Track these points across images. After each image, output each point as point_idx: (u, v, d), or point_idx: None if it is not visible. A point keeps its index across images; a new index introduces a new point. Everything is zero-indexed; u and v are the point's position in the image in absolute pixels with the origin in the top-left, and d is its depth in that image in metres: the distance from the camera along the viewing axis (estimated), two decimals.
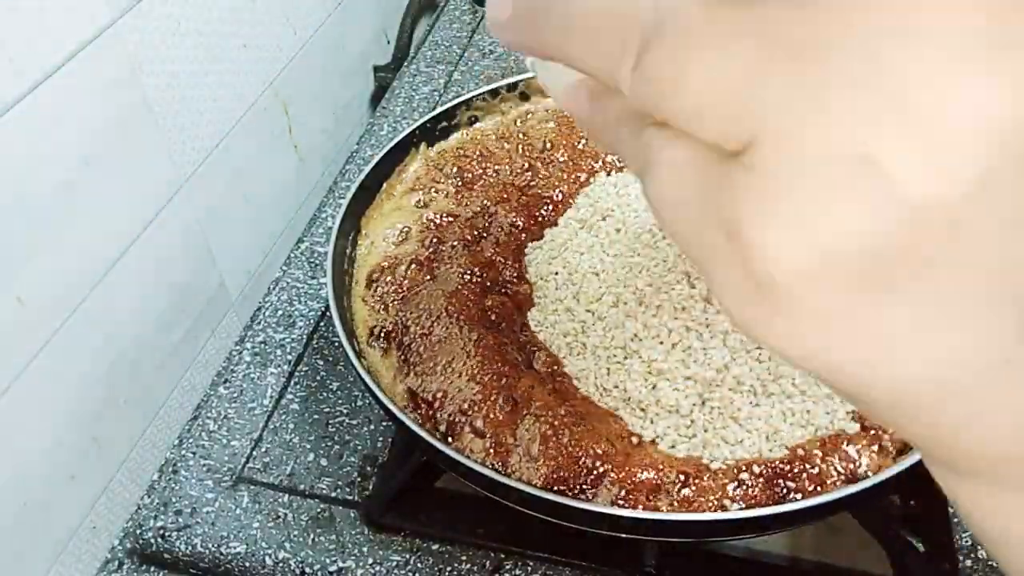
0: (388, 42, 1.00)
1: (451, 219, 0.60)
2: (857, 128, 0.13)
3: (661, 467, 0.45)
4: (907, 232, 0.13)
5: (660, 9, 0.15)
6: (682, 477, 0.45)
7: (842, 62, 0.13)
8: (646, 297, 0.52)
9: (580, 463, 0.46)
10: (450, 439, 0.48)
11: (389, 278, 0.56)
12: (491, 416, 0.48)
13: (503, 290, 0.56)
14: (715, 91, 0.14)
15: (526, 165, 0.64)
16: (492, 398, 0.49)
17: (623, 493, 0.44)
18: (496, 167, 0.64)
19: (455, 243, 0.58)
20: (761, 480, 0.44)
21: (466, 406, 0.49)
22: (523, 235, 0.60)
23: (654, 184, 0.16)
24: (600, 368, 0.50)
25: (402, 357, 0.52)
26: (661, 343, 0.50)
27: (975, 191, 0.13)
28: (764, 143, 0.14)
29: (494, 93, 0.66)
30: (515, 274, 0.58)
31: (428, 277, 0.56)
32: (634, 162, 0.17)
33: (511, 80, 0.67)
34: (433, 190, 0.62)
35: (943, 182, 0.12)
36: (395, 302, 0.55)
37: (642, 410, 0.48)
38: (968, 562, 0.51)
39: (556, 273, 0.57)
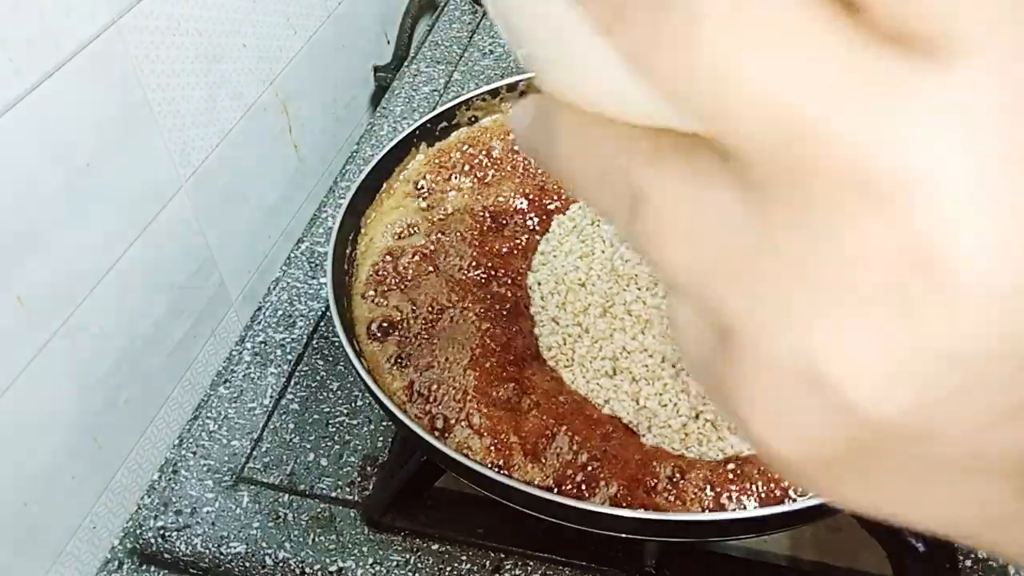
0: (388, 42, 1.00)
1: (452, 215, 0.60)
2: (808, 346, 0.13)
3: (657, 460, 0.45)
4: (870, 441, 0.13)
5: (639, 177, 0.14)
6: (679, 474, 0.45)
7: (792, 276, 0.13)
8: (634, 309, 0.52)
9: (577, 458, 0.46)
10: (447, 434, 0.48)
11: (391, 269, 0.56)
12: (486, 410, 0.48)
13: (513, 283, 0.56)
14: (687, 276, 0.14)
15: (529, 164, 0.64)
16: (490, 388, 0.49)
17: (620, 491, 0.44)
18: (498, 165, 0.64)
19: (461, 235, 0.58)
20: (760, 476, 0.44)
21: (459, 396, 0.49)
22: (535, 230, 0.60)
23: (673, 324, 0.16)
24: (589, 384, 0.50)
25: (401, 348, 0.52)
26: (651, 356, 0.50)
27: (927, 408, 0.12)
28: (734, 338, 0.14)
29: (494, 93, 0.66)
30: (526, 269, 0.57)
31: (431, 268, 0.56)
32: None
33: (511, 80, 0.67)
34: (434, 188, 0.62)
35: (890, 403, 0.12)
36: (396, 292, 0.55)
37: (634, 426, 0.48)
38: (968, 562, 0.51)
39: (540, 283, 0.56)
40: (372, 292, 0.55)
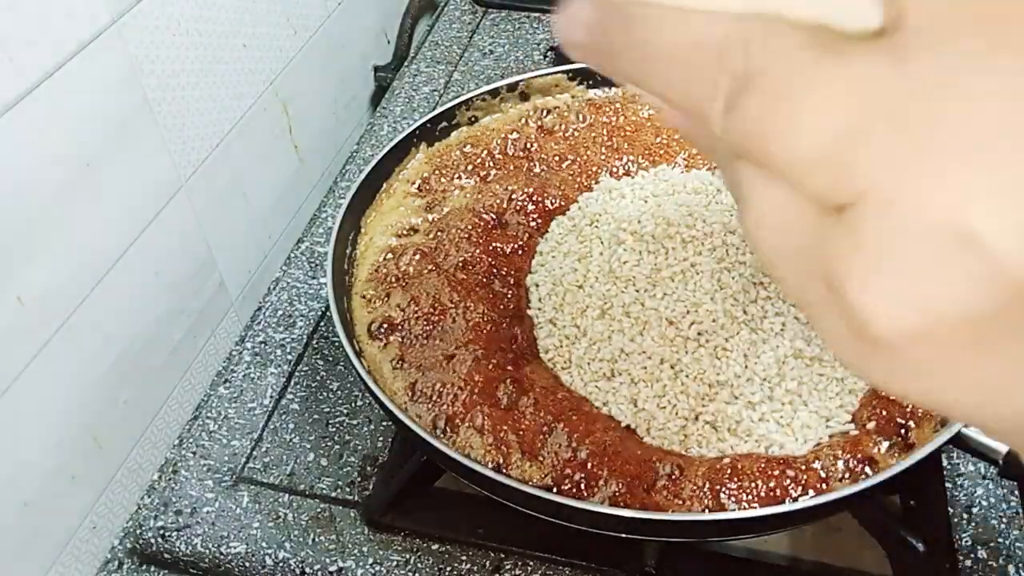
0: (388, 42, 1.00)
1: (454, 214, 0.60)
2: (958, 201, 0.13)
3: (657, 458, 0.45)
4: (1006, 302, 0.13)
5: (754, 53, 0.14)
6: (678, 470, 0.45)
7: (945, 129, 0.13)
8: (632, 311, 0.52)
9: (576, 455, 0.46)
10: (447, 434, 0.48)
11: (391, 268, 0.56)
12: (487, 409, 0.48)
13: (515, 282, 0.56)
14: (818, 147, 0.14)
15: (530, 164, 0.64)
16: (490, 388, 0.49)
17: (620, 490, 0.44)
18: (499, 164, 0.64)
19: (464, 234, 0.58)
20: (760, 475, 0.44)
21: (460, 395, 0.49)
22: (538, 230, 0.60)
23: (749, 220, 0.16)
24: (587, 386, 0.50)
25: (402, 348, 0.52)
26: (650, 358, 0.50)
27: None
28: (867, 205, 0.13)
29: (494, 93, 0.66)
30: (527, 268, 0.57)
31: (432, 267, 0.56)
32: (730, 187, 0.17)
33: (511, 80, 0.67)
34: (435, 188, 0.62)
35: None
36: (397, 292, 0.55)
37: (633, 428, 0.48)
38: (968, 562, 0.51)
39: (538, 285, 0.56)
40: (372, 291, 0.55)
